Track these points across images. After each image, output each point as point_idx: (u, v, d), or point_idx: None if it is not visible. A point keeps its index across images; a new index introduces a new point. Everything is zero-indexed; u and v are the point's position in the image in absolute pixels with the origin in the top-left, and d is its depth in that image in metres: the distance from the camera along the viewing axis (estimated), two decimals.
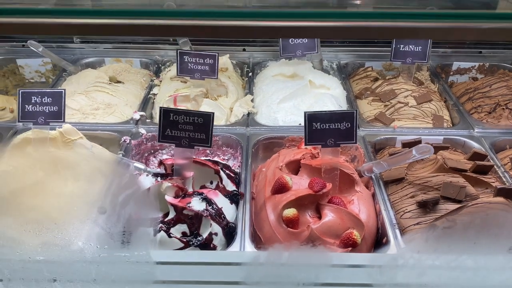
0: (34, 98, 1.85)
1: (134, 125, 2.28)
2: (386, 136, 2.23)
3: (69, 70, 2.73)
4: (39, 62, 2.97)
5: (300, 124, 2.30)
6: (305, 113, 1.77)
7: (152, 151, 2.23)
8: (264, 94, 2.48)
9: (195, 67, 2.30)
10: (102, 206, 1.59)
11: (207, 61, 2.29)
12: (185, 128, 1.72)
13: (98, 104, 2.39)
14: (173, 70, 2.65)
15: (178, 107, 2.39)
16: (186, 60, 2.29)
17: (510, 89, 2.48)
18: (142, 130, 2.21)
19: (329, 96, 2.43)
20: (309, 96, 2.44)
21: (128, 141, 2.15)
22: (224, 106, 2.40)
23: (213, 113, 1.71)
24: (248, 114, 2.37)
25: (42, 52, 2.60)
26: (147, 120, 2.32)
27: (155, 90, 2.58)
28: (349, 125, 1.78)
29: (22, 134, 2.00)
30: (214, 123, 2.29)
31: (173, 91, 2.45)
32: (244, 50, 2.95)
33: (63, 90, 1.85)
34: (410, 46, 2.49)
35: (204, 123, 1.71)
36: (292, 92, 2.41)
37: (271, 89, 2.49)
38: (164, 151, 2.24)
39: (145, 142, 2.20)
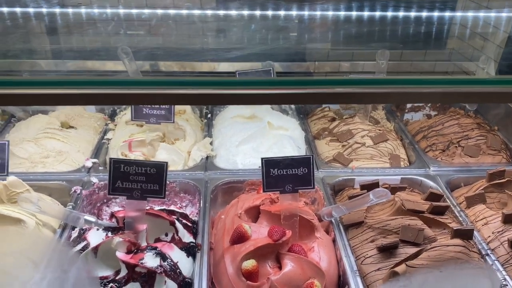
0: None
1: (86, 173, 2.17)
2: (345, 177, 2.23)
3: (18, 115, 2.60)
4: None
5: (259, 167, 2.27)
6: (262, 159, 1.75)
7: (105, 201, 2.12)
8: (223, 136, 2.45)
9: (151, 111, 2.25)
10: None
11: (162, 106, 2.25)
12: (137, 179, 1.65)
13: (48, 151, 2.28)
14: (128, 113, 2.58)
15: (134, 152, 2.32)
16: (141, 105, 2.24)
17: (462, 127, 2.57)
18: (94, 179, 2.11)
19: (287, 137, 2.42)
20: (268, 137, 2.43)
21: (78, 191, 2.04)
22: (182, 150, 2.34)
23: (166, 163, 1.65)
24: (207, 157, 2.33)
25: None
26: (100, 168, 2.22)
27: (109, 135, 2.49)
28: (306, 170, 1.76)
29: None
30: (171, 168, 2.26)
31: (128, 136, 2.37)
32: None
33: (6, 142, 1.75)
34: None
35: (157, 174, 1.65)
36: (251, 134, 2.39)
37: (230, 131, 2.47)
38: (118, 200, 2.14)
39: (97, 192, 2.09)
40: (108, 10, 2.80)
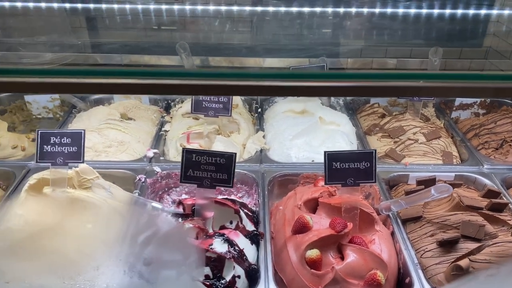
0: (53, 139, 1.84)
1: (148, 163, 2.27)
2: (399, 173, 2.25)
3: (79, 107, 2.73)
4: (47, 98, 2.96)
5: (313, 160, 2.32)
6: (325, 152, 1.79)
7: (166, 189, 2.22)
8: (276, 130, 2.51)
9: (209, 105, 2.33)
10: (146, 258, 1.57)
11: (221, 99, 2.32)
12: (207, 169, 1.73)
13: (110, 141, 2.39)
14: (184, 106, 2.68)
15: (191, 144, 2.40)
16: (200, 98, 2.32)
17: None
18: (157, 168, 2.21)
19: (340, 132, 2.46)
20: (320, 132, 2.47)
21: (143, 180, 2.14)
22: (237, 143, 2.41)
23: (235, 153, 1.72)
24: (261, 150, 2.39)
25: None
26: (161, 158, 2.32)
27: (166, 127, 2.59)
28: (369, 165, 1.80)
29: (38, 174, 1.98)
30: None
31: (185, 128, 2.46)
32: None
33: (82, 131, 1.85)
34: None
35: (226, 163, 1.72)
36: (304, 128, 2.44)
37: (282, 125, 2.52)
38: (178, 189, 2.23)
39: (159, 180, 2.19)
40: (164, 7, 2.89)
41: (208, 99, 2.32)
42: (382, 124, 2.62)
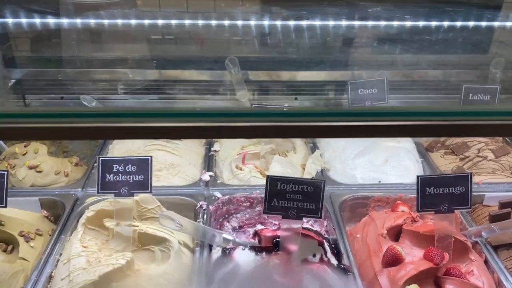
0: (116, 167, 1.68)
1: (205, 187, 2.11)
2: (474, 193, 2.11)
3: None
4: None
5: (379, 181, 2.18)
6: (418, 177, 1.65)
7: (227, 216, 2.05)
8: (334, 149, 2.36)
9: None
10: None
11: None
12: (293, 198, 1.57)
13: (160, 164, 2.22)
14: None
15: (247, 165, 2.24)
16: None
17: None
18: (218, 194, 2.04)
19: (403, 150, 2.32)
20: (381, 150, 2.33)
21: (204, 207, 1.97)
22: (295, 163, 2.26)
23: (324, 181, 1.57)
24: (321, 170, 2.24)
25: (95, 106, 2.44)
26: (218, 181, 2.15)
27: (216, 147, 2.42)
28: (464, 189, 1.66)
29: (96, 206, 1.81)
30: None
31: (239, 148, 2.30)
32: (296, 99, 2.85)
33: (149, 158, 1.69)
34: (479, 95, 2.43)
35: (314, 192, 1.56)
36: (366, 146, 2.30)
37: (339, 143, 2.38)
38: (238, 215, 2.07)
39: (221, 207, 2.02)
40: (211, 22, 2.74)
41: None
42: (443, 140, 2.49)
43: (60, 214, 1.96)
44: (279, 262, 1.57)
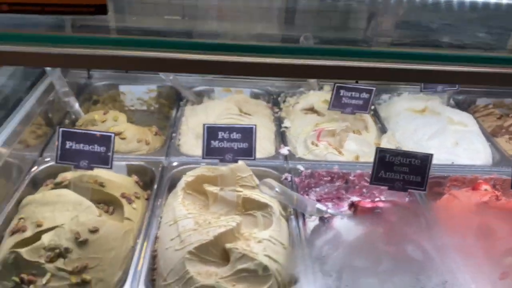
0: (221, 134, 1.71)
1: (284, 161, 2.15)
2: None
3: (190, 99, 2.59)
4: (143, 90, 2.81)
5: (452, 162, 2.23)
6: None
7: (307, 189, 2.10)
8: (404, 130, 2.41)
9: (349, 101, 2.21)
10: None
11: (362, 95, 2.21)
12: (400, 170, 1.62)
13: None
14: (301, 102, 2.56)
15: (321, 142, 2.28)
16: (341, 94, 2.20)
17: None
18: (301, 167, 2.09)
19: (472, 133, 2.37)
20: (450, 133, 2.38)
21: (289, 179, 2.02)
22: (369, 142, 2.30)
23: (432, 154, 1.61)
24: None
25: (172, 80, 2.47)
26: (296, 156, 2.19)
27: (286, 123, 2.46)
28: None
29: (195, 171, 1.85)
30: (364, 159, 2.22)
31: (312, 125, 2.34)
32: (357, 82, 2.88)
33: (253, 126, 1.73)
34: None
35: (421, 165, 1.61)
36: (438, 128, 2.34)
37: (409, 124, 2.42)
38: (317, 189, 2.11)
39: (303, 180, 2.07)
40: None
41: (349, 94, 2.20)
42: (506, 126, 2.54)
43: (146, 180, 2.00)
44: (380, 232, 1.61)
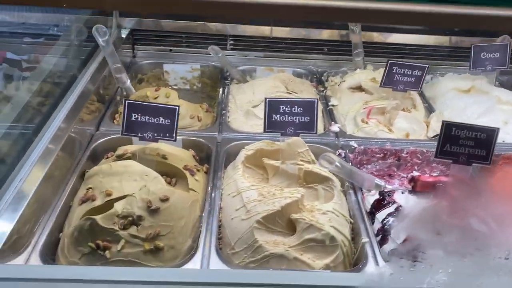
0: (282, 107, 1.73)
1: (335, 138, 2.16)
2: None
3: (236, 78, 2.60)
4: (186, 68, 2.84)
5: (503, 141, 2.22)
6: None
7: (359, 166, 2.11)
8: (452, 109, 2.40)
9: (402, 78, 2.21)
10: None
11: (415, 72, 2.20)
12: (465, 144, 1.62)
13: None
14: (348, 81, 2.56)
15: (370, 120, 2.29)
16: (394, 71, 2.19)
17: None
18: (354, 144, 2.10)
19: None
20: (499, 112, 2.36)
21: (343, 155, 2.03)
22: (419, 120, 2.30)
23: (498, 128, 1.61)
24: None
25: (220, 58, 2.48)
26: (347, 133, 2.20)
27: (333, 101, 2.46)
28: None
29: (254, 145, 1.87)
30: (414, 137, 2.23)
31: (361, 103, 2.35)
32: None
33: (315, 100, 1.74)
34: None
35: (486, 139, 1.61)
36: (487, 107, 2.33)
37: (458, 103, 2.41)
38: (369, 166, 2.12)
39: (356, 156, 2.08)
40: None
41: (402, 71, 2.19)
42: None
43: (201, 155, 2.03)
44: (443, 205, 1.62)
